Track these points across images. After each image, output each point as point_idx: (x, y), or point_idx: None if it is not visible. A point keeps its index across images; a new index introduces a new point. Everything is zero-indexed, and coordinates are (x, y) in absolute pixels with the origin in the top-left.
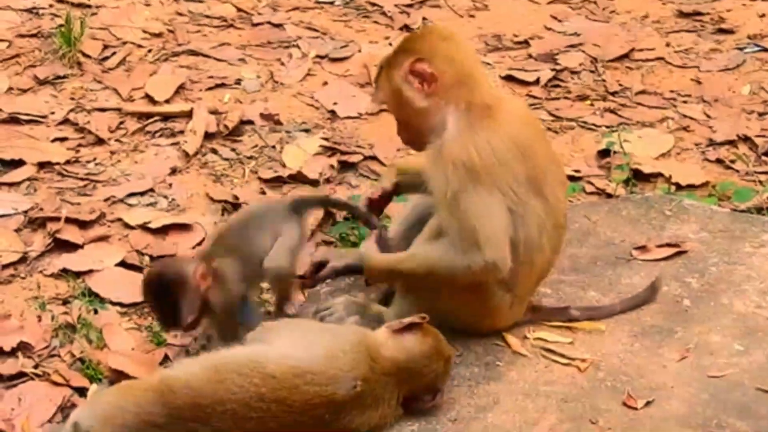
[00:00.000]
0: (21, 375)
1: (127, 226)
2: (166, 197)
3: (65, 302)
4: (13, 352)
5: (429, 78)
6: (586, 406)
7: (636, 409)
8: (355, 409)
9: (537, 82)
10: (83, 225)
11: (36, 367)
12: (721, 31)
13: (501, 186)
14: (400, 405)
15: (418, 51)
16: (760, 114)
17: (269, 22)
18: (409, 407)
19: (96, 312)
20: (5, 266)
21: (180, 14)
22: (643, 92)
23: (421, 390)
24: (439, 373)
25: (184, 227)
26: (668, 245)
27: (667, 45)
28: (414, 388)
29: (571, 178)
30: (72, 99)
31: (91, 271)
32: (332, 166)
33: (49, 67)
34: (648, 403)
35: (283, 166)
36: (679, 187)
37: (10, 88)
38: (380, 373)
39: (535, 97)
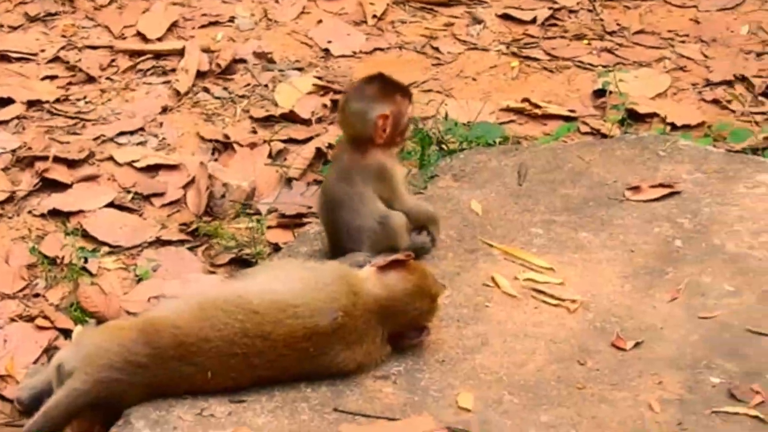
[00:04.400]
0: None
1: (117, 165)
2: (156, 136)
3: (52, 243)
4: None
5: None
6: (574, 347)
7: (625, 350)
8: (338, 344)
9: (534, 21)
10: (72, 164)
11: (21, 308)
12: None
13: None
14: (387, 342)
15: None
16: (758, 54)
17: None
18: (396, 344)
19: (82, 251)
20: None
21: None
22: (640, 32)
23: (407, 327)
24: (424, 311)
25: (173, 167)
26: (661, 185)
27: None
28: (398, 325)
29: (566, 119)
30: (63, 36)
31: (80, 212)
32: (325, 105)
33: (39, 4)
34: (637, 344)
35: (276, 105)
36: (674, 127)
37: (1, 25)
38: (363, 309)
39: (531, 36)
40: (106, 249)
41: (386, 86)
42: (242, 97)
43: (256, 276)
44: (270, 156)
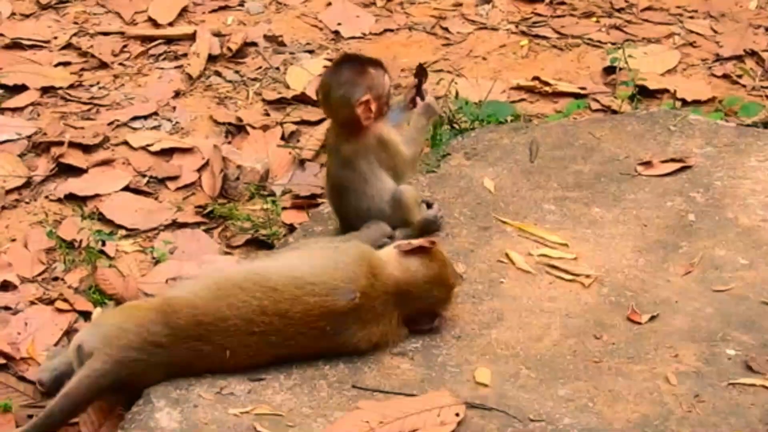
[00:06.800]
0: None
1: (131, 149)
2: (169, 120)
3: (70, 227)
4: (18, 278)
5: None
6: (589, 321)
7: (640, 323)
8: (355, 323)
9: None
10: (87, 149)
11: (41, 292)
12: None
13: None
14: (403, 325)
15: None
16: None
17: None
18: (409, 327)
19: (100, 234)
20: (9, 191)
21: None
22: (648, 8)
23: (421, 313)
24: (441, 299)
25: (187, 150)
26: (673, 160)
27: None
28: (413, 310)
29: (577, 96)
30: (75, 23)
31: (96, 196)
32: None
33: None
34: (652, 318)
35: (287, 87)
36: (685, 102)
37: (13, 13)
38: (381, 290)
39: (540, 15)
40: (122, 232)
41: (358, 67)
42: (254, 80)
43: (278, 255)
44: (283, 138)
